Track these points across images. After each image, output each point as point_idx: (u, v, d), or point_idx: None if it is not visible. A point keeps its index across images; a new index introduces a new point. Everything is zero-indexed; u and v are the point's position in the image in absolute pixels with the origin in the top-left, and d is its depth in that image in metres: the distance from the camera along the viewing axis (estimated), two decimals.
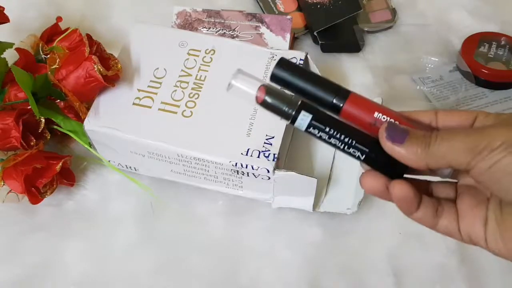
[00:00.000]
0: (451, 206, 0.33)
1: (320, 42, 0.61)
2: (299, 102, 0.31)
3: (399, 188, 0.32)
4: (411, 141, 0.30)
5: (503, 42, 0.59)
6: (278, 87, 0.32)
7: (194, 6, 0.60)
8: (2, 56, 0.51)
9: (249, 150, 0.45)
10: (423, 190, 0.34)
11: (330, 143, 0.32)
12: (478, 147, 0.29)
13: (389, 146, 0.31)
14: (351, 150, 0.32)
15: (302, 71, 0.33)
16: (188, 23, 0.59)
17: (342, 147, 0.32)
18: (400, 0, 0.66)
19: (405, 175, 0.33)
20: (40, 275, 0.48)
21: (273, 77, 0.32)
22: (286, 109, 0.31)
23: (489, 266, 0.49)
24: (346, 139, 0.32)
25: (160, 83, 0.49)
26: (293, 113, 0.31)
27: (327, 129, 0.32)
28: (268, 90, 0.32)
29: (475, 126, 0.32)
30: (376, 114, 0.32)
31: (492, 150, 0.28)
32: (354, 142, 0.32)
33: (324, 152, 0.52)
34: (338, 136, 0.32)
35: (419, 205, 0.33)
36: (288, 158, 0.51)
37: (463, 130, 0.30)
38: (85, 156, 0.53)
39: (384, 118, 0.32)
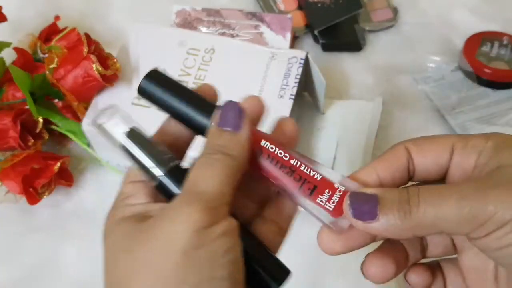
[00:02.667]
0: (453, 266, 0.30)
1: (320, 41, 0.61)
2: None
3: (418, 279, 0.29)
4: (385, 211, 0.24)
5: (505, 42, 0.59)
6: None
7: (194, 5, 0.60)
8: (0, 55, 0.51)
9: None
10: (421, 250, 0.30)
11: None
12: (478, 218, 0.23)
13: (361, 226, 0.25)
14: None
15: (175, 86, 0.29)
16: (187, 22, 0.59)
17: None
18: (401, 0, 0.66)
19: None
20: (38, 276, 0.48)
21: (141, 91, 0.28)
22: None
23: None
24: None
25: None
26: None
27: None
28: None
29: (454, 171, 0.27)
30: (263, 143, 0.28)
31: (501, 224, 0.23)
32: None
33: (324, 153, 0.52)
34: None
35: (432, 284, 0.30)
36: None
37: (453, 191, 0.24)
38: (83, 157, 0.53)
39: (272, 148, 0.28)
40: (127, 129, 0.28)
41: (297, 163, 0.27)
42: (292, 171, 0.27)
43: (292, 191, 0.27)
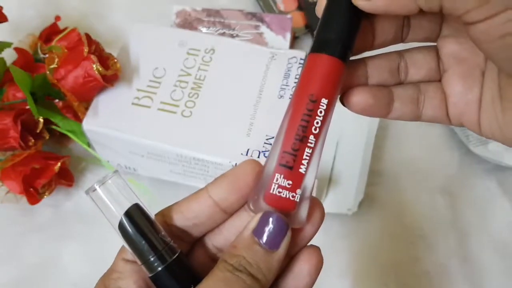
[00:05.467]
0: (435, 89, 0.27)
1: None
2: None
3: (356, 101, 0.26)
4: None
5: None
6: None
7: (194, 5, 0.60)
8: (0, 55, 0.51)
9: (249, 150, 0.45)
10: (393, 75, 0.27)
11: None
12: None
13: (365, 5, 0.23)
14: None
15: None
16: (187, 22, 0.59)
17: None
18: None
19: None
20: (38, 276, 0.48)
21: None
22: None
23: (490, 266, 0.49)
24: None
25: (160, 82, 0.49)
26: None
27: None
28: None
29: None
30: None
31: (509, 5, 0.20)
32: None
33: (324, 153, 0.52)
34: None
35: (390, 106, 0.27)
36: None
37: None
38: (84, 157, 0.53)
39: (320, 112, 0.25)
40: (129, 205, 0.25)
41: (313, 144, 0.25)
42: (301, 139, 0.25)
43: (277, 142, 0.25)
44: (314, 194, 0.47)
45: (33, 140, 0.48)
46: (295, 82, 0.48)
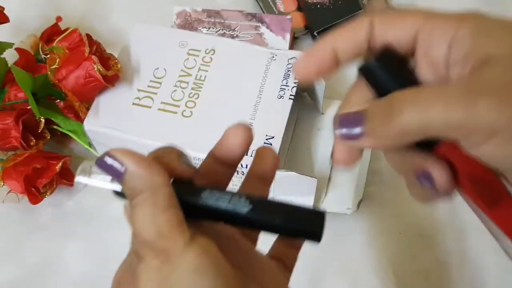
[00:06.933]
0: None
1: None
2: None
3: (441, 180, 0.26)
4: (369, 124, 0.23)
5: None
6: None
7: (194, 6, 0.60)
8: (2, 56, 0.51)
9: (249, 150, 0.45)
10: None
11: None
12: (466, 127, 0.21)
13: (349, 144, 0.24)
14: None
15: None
16: (188, 23, 0.59)
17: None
18: (401, 0, 0.66)
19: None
20: (40, 275, 0.48)
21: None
22: None
23: (489, 266, 0.49)
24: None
25: (160, 83, 0.49)
26: None
27: None
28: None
29: (422, 62, 0.23)
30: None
31: (490, 135, 0.20)
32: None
33: (324, 152, 0.52)
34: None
35: None
36: (288, 158, 0.51)
37: (440, 95, 0.21)
38: (85, 156, 0.53)
39: None
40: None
41: None
42: None
43: None
44: (314, 194, 0.47)
45: (34, 140, 0.48)
46: (295, 82, 0.48)
